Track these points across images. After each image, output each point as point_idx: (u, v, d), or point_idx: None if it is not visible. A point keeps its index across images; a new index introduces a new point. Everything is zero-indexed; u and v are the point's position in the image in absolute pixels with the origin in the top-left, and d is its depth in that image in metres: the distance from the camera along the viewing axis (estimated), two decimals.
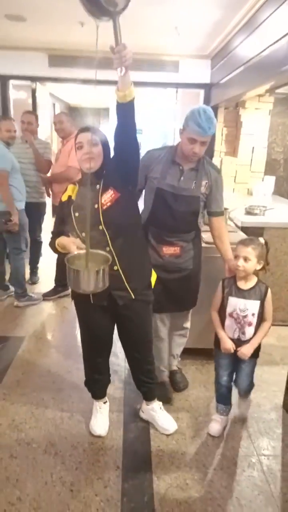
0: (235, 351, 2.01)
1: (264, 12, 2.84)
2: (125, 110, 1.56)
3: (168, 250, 2.13)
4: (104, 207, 1.70)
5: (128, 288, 1.81)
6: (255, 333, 2.00)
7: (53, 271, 3.87)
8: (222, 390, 2.14)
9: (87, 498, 1.73)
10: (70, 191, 1.82)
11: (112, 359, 2.18)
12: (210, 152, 4.92)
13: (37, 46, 4.51)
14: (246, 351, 1.99)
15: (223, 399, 2.15)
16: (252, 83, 3.30)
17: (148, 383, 2.13)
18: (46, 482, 1.80)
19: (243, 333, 2.00)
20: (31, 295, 3.69)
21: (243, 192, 4.73)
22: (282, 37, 2.48)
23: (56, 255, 3.74)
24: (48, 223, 4.48)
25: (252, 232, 2.94)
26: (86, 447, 2.01)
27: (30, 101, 5.26)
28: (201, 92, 4.89)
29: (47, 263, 4.46)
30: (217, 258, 2.27)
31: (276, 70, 2.67)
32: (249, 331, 2.00)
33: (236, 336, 2.02)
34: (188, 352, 2.66)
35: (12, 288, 3.73)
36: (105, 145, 1.74)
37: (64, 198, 1.82)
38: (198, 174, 2.08)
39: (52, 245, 1.82)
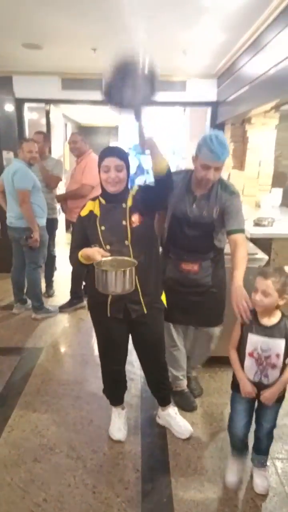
0: (257, 395, 1.77)
1: (269, 33, 2.99)
2: (162, 180, 1.79)
3: (186, 266, 2.19)
4: (133, 225, 1.84)
5: (142, 303, 1.93)
6: (280, 375, 1.73)
7: (67, 284, 4.00)
8: (236, 442, 1.91)
9: (108, 499, 1.81)
10: (91, 206, 1.93)
11: (128, 367, 2.27)
12: None
13: (51, 70, 4.74)
14: (270, 395, 1.72)
15: (238, 450, 1.93)
16: (258, 101, 3.44)
17: (163, 389, 2.23)
18: (69, 484, 1.89)
19: (266, 375, 1.73)
20: (48, 308, 3.82)
21: (251, 204, 4.84)
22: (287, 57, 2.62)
23: (70, 268, 3.88)
24: (60, 238, 4.64)
25: (261, 244, 3.04)
26: (106, 451, 2.10)
27: (43, 121, 5.50)
28: (208, 109, 5.06)
29: (61, 276, 4.61)
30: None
31: (282, 88, 2.80)
32: (273, 374, 1.72)
33: (257, 379, 1.75)
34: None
35: (29, 302, 3.87)
36: (127, 166, 1.87)
37: (84, 213, 1.93)
38: (209, 201, 2.10)
39: (73, 258, 1.91)
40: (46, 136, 4.15)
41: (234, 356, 1.83)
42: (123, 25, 3.19)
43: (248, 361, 1.76)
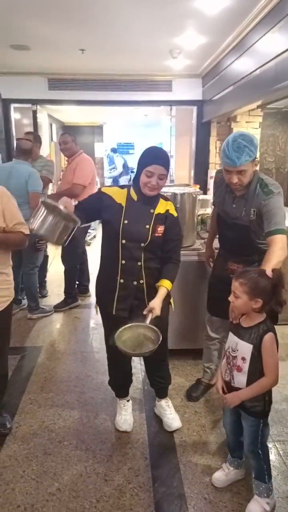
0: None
1: (253, 36, 3.10)
2: None
3: (232, 266, 2.19)
4: (155, 234, 1.90)
5: (146, 303, 1.95)
6: (249, 384, 1.64)
7: (59, 284, 4.03)
8: (228, 439, 1.91)
9: (121, 485, 1.88)
10: (118, 193, 1.94)
11: None
12: (205, 165, 5.18)
13: (38, 71, 4.77)
14: (230, 399, 1.66)
15: (230, 450, 1.91)
16: (243, 101, 3.55)
17: (161, 383, 2.32)
18: (81, 474, 1.95)
19: (232, 377, 1.68)
20: (43, 308, 3.85)
21: None
22: (272, 59, 2.73)
23: (63, 268, 3.91)
24: None
25: None
26: (114, 442, 2.16)
27: (26, 121, 5.51)
28: (194, 108, 5.17)
29: (53, 276, 4.65)
30: None
31: (266, 89, 2.92)
32: (238, 378, 1.66)
33: (227, 379, 1.72)
34: (201, 352, 2.82)
35: (23, 302, 3.89)
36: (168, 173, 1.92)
37: (109, 192, 1.95)
38: (247, 202, 2.04)
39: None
40: (36, 136, 4.16)
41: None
42: (110, 27, 3.26)
43: (224, 359, 1.78)
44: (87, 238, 6.16)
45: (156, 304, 1.86)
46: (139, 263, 1.91)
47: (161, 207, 1.95)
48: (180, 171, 5.92)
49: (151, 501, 1.80)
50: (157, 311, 1.85)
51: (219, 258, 2.37)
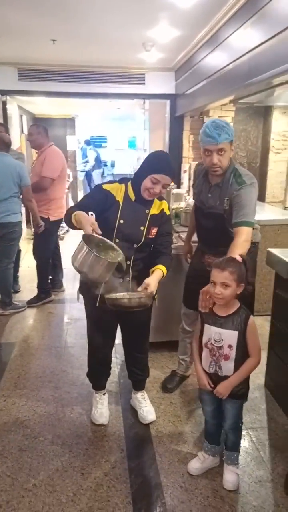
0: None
1: (226, 30, 3.12)
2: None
3: (209, 259, 2.20)
4: (149, 236, 1.92)
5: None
6: (236, 369, 1.72)
7: (32, 279, 3.97)
8: (207, 426, 1.95)
9: (97, 478, 1.88)
10: (117, 188, 1.92)
11: None
12: (178, 159, 5.21)
13: (7, 61, 4.63)
14: (222, 390, 1.72)
15: (208, 436, 1.94)
16: (216, 95, 3.58)
17: (139, 375, 2.33)
18: (57, 468, 1.93)
19: (220, 367, 1.74)
20: (16, 303, 3.77)
21: None
22: (245, 54, 2.76)
23: (34, 263, 3.87)
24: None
25: None
26: (91, 436, 2.16)
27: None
28: (167, 102, 5.17)
29: (25, 271, 4.57)
30: None
31: (239, 84, 2.95)
32: (226, 366, 1.72)
33: (212, 371, 1.77)
34: (177, 345, 2.85)
35: None
36: None
37: (109, 188, 1.91)
38: (221, 190, 2.07)
39: (69, 213, 1.80)
40: (6, 127, 4.06)
41: (194, 348, 1.86)
42: (83, 17, 3.21)
43: (204, 352, 1.78)
44: (60, 233, 6.08)
45: (152, 280, 1.82)
46: (128, 262, 1.90)
47: (156, 207, 1.96)
48: None
49: (128, 492, 1.81)
50: (152, 288, 1.80)
51: (197, 252, 2.40)
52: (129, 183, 1.94)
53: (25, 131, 7.35)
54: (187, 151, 5.09)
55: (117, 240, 1.87)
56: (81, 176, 9.56)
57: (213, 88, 3.63)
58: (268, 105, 4.47)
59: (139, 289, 1.81)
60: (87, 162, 10.92)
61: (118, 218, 1.87)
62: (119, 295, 1.78)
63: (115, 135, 11.54)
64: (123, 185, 1.95)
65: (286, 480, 1.84)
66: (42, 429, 2.20)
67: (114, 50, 4.19)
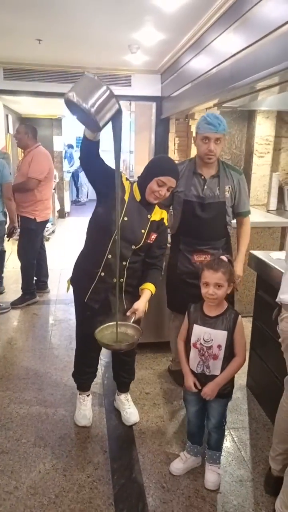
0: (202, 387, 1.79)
1: (211, 34, 3.16)
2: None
3: (199, 258, 2.24)
4: (147, 241, 1.93)
5: (124, 301, 1.95)
6: (223, 369, 1.76)
7: (16, 280, 3.94)
8: (190, 426, 1.95)
9: (80, 480, 1.88)
10: (126, 186, 1.92)
11: None
12: None
13: None
14: (209, 390, 1.75)
15: (191, 437, 1.95)
16: (200, 98, 3.62)
17: (126, 378, 2.34)
18: (39, 471, 1.92)
19: (207, 367, 1.77)
20: (0, 304, 3.74)
21: None
22: (227, 58, 2.80)
23: (19, 264, 3.84)
24: None
25: None
26: (73, 437, 2.16)
27: None
28: (153, 104, 5.20)
29: (10, 272, 4.53)
30: None
31: (222, 87, 2.99)
32: (214, 365, 1.76)
33: (199, 370, 1.79)
34: (161, 346, 2.87)
35: None
36: None
37: (124, 179, 1.91)
38: (220, 180, 2.20)
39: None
40: None
41: (181, 348, 1.88)
42: (69, 17, 3.21)
43: (192, 352, 1.81)
44: (46, 234, 6.05)
45: (140, 305, 1.89)
46: (124, 263, 1.90)
47: (157, 214, 1.98)
48: (140, 166, 5.95)
49: (110, 493, 1.81)
50: (141, 313, 1.88)
51: (180, 254, 2.34)
52: (135, 184, 1.96)
53: (11, 131, 7.29)
54: (173, 154, 5.12)
55: (116, 237, 1.80)
56: (67, 177, 9.52)
57: (197, 92, 3.67)
58: (252, 109, 4.52)
59: (128, 313, 1.87)
60: (73, 164, 10.92)
61: (122, 215, 1.86)
62: (109, 327, 1.83)
63: (101, 137, 11.49)
64: (129, 183, 1.95)
65: (266, 479, 1.87)
66: (24, 431, 2.18)
67: (100, 51, 4.20)
